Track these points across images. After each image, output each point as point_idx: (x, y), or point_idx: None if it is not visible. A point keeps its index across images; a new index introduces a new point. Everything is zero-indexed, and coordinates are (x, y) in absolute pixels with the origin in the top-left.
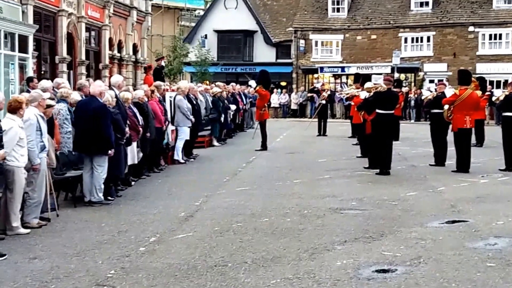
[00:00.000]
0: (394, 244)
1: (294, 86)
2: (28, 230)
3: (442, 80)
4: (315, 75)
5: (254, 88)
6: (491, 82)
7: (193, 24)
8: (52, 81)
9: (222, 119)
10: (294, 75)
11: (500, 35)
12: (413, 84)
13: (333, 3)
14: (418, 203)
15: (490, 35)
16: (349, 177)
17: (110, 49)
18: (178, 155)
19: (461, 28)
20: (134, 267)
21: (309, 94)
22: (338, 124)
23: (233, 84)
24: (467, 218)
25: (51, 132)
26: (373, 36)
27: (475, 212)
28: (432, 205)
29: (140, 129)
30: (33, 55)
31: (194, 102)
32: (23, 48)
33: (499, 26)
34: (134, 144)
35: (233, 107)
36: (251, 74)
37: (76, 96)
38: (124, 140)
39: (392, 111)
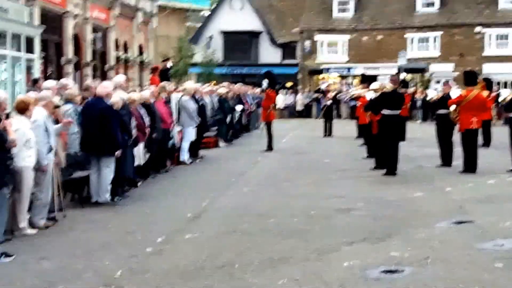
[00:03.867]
0: (401, 244)
1: (300, 87)
2: (35, 231)
3: (448, 81)
4: (321, 76)
5: (264, 90)
6: (498, 83)
7: (199, 25)
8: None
9: (228, 120)
10: (299, 76)
11: (507, 35)
12: (419, 84)
13: (338, 4)
14: (425, 204)
15: (497, 36)
16: (356, 177)
17: (116, 50)
18: (184, 156)
19: (468, 29)
20: (142, 268)
21: (315, 95)
22: (344, 125)
23: (239, 84)
24: (474, 218)
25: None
26: (379, 37)
27: (483, 212)
28: (440, 205)
29: (147, 130)
30: (40, 56)
31: (200, 103)
32: (30, 49)
33: (506, 26)
34: (141, 145)
35: (239, 108)
36: (256, 75)
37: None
38: (131, 141)
39: (398, 112)
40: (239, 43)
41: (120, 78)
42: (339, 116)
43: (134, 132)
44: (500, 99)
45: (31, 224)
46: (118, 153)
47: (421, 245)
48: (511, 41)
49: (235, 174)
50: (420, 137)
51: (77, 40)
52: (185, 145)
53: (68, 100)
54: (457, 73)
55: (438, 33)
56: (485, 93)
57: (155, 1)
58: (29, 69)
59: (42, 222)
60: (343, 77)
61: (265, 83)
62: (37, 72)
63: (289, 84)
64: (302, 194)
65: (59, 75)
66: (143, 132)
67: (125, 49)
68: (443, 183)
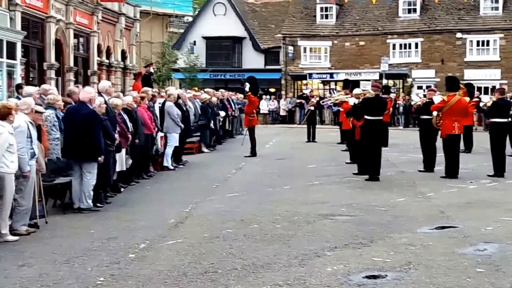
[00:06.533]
0: (384, 250)
1: (283, 92)
2: (16, 237)
3: (430, 86)
4: (304, 82)
5: (246, 93)
6: (479, 89)
7: (182, 31)
8: (39, 87)
9: (212, 125)
10: (283, 81)
11: (488, 41)
12: (401, 90)
13: (321, 10)
14: (407, 209)
15: (478, 42)
16: (339, 183)
17: (98, 56)
18: (168, 161)
19: (449, 35)
20: (124, 274)
21: (298, 101)
22: (327, 130)
23: (222, 90)
24: (456, 224)
25: (39, 138)
26: (361, 43)
27: (465, 218)
28: (422, 211)
29: (129, 135)
30: (21, 62)
31: (184, 109)
32: (11, 55)
33: (486, 32)
34: (123, 150)
35: (222, 113)
36: (239, 81)
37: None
38: (114, 147)
39: (381, 117)
40: (222, 49)
41: (106, 83)
42: (322, 121)
43: (116, 137)
44: (481, 105)
45: (13, 231)
46: (100, 159)
47: (404, 250)
48: (492, 47)
49: (218, 180)
50: (402, 142)
51: (59, 46)
52: (169, 151)
53: (49, 105)
54: (438, 79)
55: (420, 39)
56: (466, 99)
57: (138, 7)
58: (10, 74)
59: (24, 229)
60: (325, 82)
61: (247, 86)
62: (18, 78)
63: (272, 90)
64: (285, 199)
65: (41, 80)
66: (125, 137)
67: (108, 55)
68: (425, 188)
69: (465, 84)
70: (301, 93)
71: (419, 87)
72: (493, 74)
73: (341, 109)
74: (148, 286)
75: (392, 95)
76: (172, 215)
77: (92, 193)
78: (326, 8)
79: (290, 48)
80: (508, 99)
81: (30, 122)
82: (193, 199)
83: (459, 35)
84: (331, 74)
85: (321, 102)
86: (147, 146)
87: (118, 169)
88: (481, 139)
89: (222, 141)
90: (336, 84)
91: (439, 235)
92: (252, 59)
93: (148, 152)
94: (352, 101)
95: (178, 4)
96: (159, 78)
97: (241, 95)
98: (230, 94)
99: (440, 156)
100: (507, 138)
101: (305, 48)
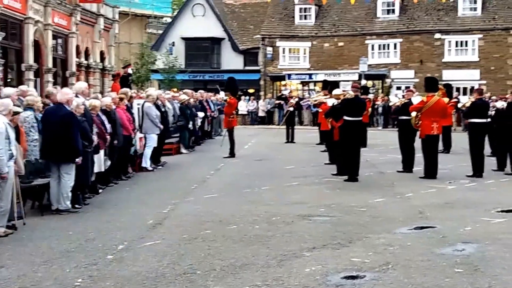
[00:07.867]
0: (362, 250)
1: (262, 93)
2: None
3: (409, 87)
4: (283, 82)
5: (225, 100)
6: (457, 89)
7: (161, 32)
8: (18, 88)
9: (190, 126)
10: (261, 82)
11: (466, 42)
12: (380, 91)
13: (300, 11)
14: (386, 210)
15: (456, 42)
16: (318, 184)
17: (77, 57)
18: (146, 162)
19: (428, 35)
20: (102, 276)
21: (277, 101)
22: (306, 131)
23: (201, 91)
24: (435, 224)
25: (17, 139)
26: (340, 43)
27: (443, 218)
28: (400, 211)
29: (108, 137)
30: (0, 63)
31: (162, 110)
32: None
33: (464, 33)
34: (102, 152)
35: (201, 114)
36: (218, 82)
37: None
38: (92, 148)
39: (360, 118)
40: (201, 50)
41: (82, 84)
42: (301, 122)
43: (95, 139)
44: (459, 105)
45: None
46: (78, 160)
47: (382, 251)
48: (470, 47)
49: (196, 181)
50: (381, 143)
51: (38, 47)
52: (148, 152)
53: (28, 107)
54: (417, 79)
55: (398, 40)
56: (445, 99)
57: (117, 8)
58: None
59: (2, 230)
60: (304, 83)
61: (221, 94)
62: None
63: (251, 91)
64: (264, 200)
65: (19, 81)
66: (104, 139)
67: (86, 56)
68: (404, 188)
69: (444, 84)
70: (280, 94)
71: (398, 88)
72: (471, 75)
73: (320, 110)
74: (126, 287)
75: (371, 96)
76: (150, 216)
77: (70, 194)
78: (305, 9)
79: (269, 49)
80: (487, 99)
81: (8, 124)
82: (171, 200)
83: (437, 35)
84: (310, 75)
85: (300, 102)
86: (126, 147)
87: (96, 170)
88: (460, 139)
89: (201, 142)
90: (315, 85)
91: (417, 235)
92: (231, 60)
93: (127, 153)
94: (330, 101)
95: (157, 5)
96: (138, 79)
97: (220, 96)
98: (209, 95)
99: (418, 156)
100: (486, 138)
101: (284, 49)
